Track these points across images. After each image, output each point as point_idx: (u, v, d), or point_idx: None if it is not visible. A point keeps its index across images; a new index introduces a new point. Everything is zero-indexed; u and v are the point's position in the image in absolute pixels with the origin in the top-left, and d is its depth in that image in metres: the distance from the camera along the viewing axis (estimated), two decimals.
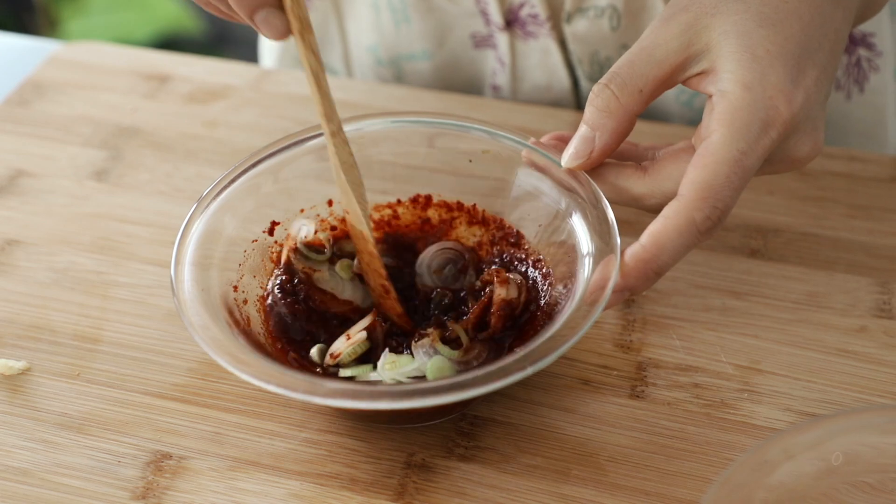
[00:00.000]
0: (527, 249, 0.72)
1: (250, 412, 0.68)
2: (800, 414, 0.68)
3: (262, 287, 0.70)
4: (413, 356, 0.67)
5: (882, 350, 0.72)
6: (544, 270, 0.70)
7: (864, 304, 0.75)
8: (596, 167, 0.67)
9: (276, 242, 0.72)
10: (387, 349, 0.67)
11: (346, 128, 0.74)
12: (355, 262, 0.72)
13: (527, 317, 0.69)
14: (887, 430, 0.57)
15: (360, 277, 0.72)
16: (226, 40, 2.29)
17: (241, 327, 0.66)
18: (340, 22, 1.00)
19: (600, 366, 0.71)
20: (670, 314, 0.74)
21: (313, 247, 0.71)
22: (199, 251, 0.67)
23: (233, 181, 0.71)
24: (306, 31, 0.63)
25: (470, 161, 0.74)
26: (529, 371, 0.59)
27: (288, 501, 0.63)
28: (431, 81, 0.99)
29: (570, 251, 0.68)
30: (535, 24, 0.92)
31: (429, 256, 0.73)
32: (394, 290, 0.69)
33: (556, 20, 0.92)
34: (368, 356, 0.68)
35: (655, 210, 0.64)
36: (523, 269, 0.72)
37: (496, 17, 0.92)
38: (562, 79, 0.95)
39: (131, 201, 0.83)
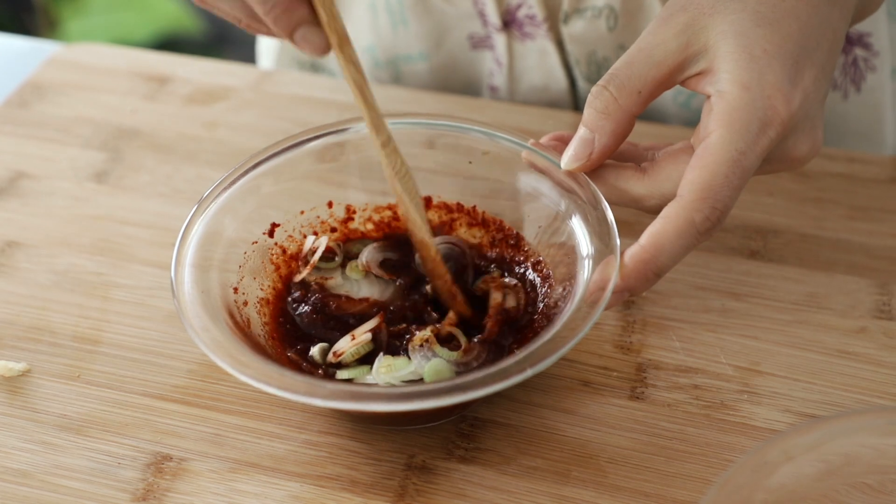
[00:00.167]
0: (526, 251, 0.72)
1: (250, 414, 0.68)
2: (799, 415, 0.68)
3: (261, 289, 0.70)
4: (409, 358, 0.67)
5: (882, 351, 0.72)
6: (544, 272, 0.70)
7: (863, 306, 0.75)
8: (595, 168, 0.67)
9: (276, 244, 0.72)
10: (381, 353, 0.67)
11: (347, 129, 0.74)
12: (361, 257, 0.72)
13: (526, 320, 0.69)
14: (887, 432, 0.57)
15: (371, 273, 0.72)
16: (226, 40, 2.29)
17: (242, 329, 0.66)
18: None
19: (600, 367, 0.71)
20: (670, 315, 0.74)
21: (323, 254, 0.72)
22: (200, 253, 0.67)
23: (233, 183, 0.71)
24: (345, 44, 0.63)
25: (470, 163, 0.74)
26: (529, 373, 0.59)
27: (288, 503, 0.63)
28: (429, 82, 0.99)
29: (569, 252, 0.68)
30: (533, 25, 0.92)
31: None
32: (461, 294, 0.69)
33: (554, 21, 0.92)
34: (371, 357, 0.68)
35: (655, 211, 0.64)
36: (522, 271, 0.72)
37: (493, 18, 0.92)
38: (559, 79, 0.95)
39: (131, 203, 0.83)
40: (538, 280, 0.71)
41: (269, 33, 0.65)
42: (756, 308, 0.75)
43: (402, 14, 0.95)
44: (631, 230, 0.71)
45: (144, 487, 0.64)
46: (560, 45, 0.93)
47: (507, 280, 0.71)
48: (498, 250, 0.73)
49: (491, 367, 0.59)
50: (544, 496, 0.63)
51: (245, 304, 0.69)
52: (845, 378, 0.70)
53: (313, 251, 0.72)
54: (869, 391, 0.69)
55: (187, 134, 0.90)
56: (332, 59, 1.02)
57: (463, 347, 0.67)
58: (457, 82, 0.99)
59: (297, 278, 0.71)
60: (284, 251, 0.73)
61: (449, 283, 0.69)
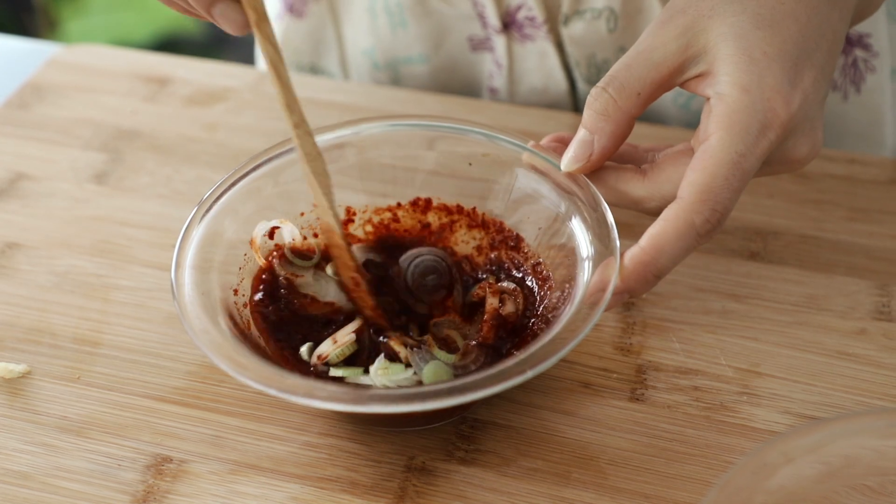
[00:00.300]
0: (526, 253, 0.72)
1: (250, 415, 0.68)
2: (799, 417, 0.68)
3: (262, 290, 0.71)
4: (409, 363, 0.67)
5: (882, 353, 0.72)
6: (544, 273, 0.70)
7: (863, 307, 0.75)
8: (595, 170, 0.67)
9: (276, 246, 0.72)
10: (382, 354, 0.67)
11: (346, 131, 0.74)
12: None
13: (525, 323, 0.69)
14: (887, 434, 0.57)
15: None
16: (225, 41, 2.29)
17: (242, 331, 0.66)
18: (337, 25, 1.00)
19: (600, 369, 0.71)
20: (670, 317, 0.74)
21: (301, 252, 0.71)
22: (200, 254, 0.67)
23: (233, 184, 0.71)
24: (263, 21, 0.62)
25: (470, 164, 0.74)
26: (529, 374, 0.59)
27: None
28: (428, 84, 0.99)
29: (569, 254, 0.68)
30: (532, 27, 0.92)
31: (413, 261, 0.72)
32: (364, 283, 0.68)
33: (553, 23, 0.92)
34: (354, 358, 0.68)
35: (655, 213, 0.64)
36: (520, 275, 0.72)
37: (493, 19, 0.92)
38: (559, 81, 0.95)
39: (131, 204, 0.83)
40: (537, 282, 0.71)
41: (188, 11, 0.65)
42: (756, 309, 0.75)
43: (401, 16, 0.95)
44: (631, 232, 0.71)
45: (144, 489, 0.64)
46: (560, 46, 0.93)
47: (504, 285, 0.71)
48: (497, 252, 0.73)
49: (491, 369, 0.60)
50: (544, 498, 0.63)
51: (245, 305, 0.69)
52: (845, 379, 0.70)
53: (293, 246, 0.71)
54: (869, 393, 0.69)
55: (187, 135, 0.90)
56: (330, 62, 1.02)
57: (461, 350, 0.67)
58: (456, 84, 0.99)
59: (261, 262, 0.71)
60: (273, 237, 0.72)
61: (353, 270, 0.68)
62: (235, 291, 0.68)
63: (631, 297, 0.64)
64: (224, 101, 0.94)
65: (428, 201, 0.75)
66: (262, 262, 0.71)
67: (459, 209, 0.75)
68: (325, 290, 0.71)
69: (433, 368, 0.66)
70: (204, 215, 0.69)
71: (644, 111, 0.66)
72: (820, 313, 0.74)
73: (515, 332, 0.69)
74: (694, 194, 0.61)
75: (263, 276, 0.70)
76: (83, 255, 0.79)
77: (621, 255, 0.63)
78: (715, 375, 0.70)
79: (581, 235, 0.67)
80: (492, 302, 0.69)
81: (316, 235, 0.73)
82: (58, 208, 0.83)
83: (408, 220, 0.75)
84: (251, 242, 0.71)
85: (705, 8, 0.64)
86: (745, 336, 0.73)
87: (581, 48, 0.92)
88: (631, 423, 0.67)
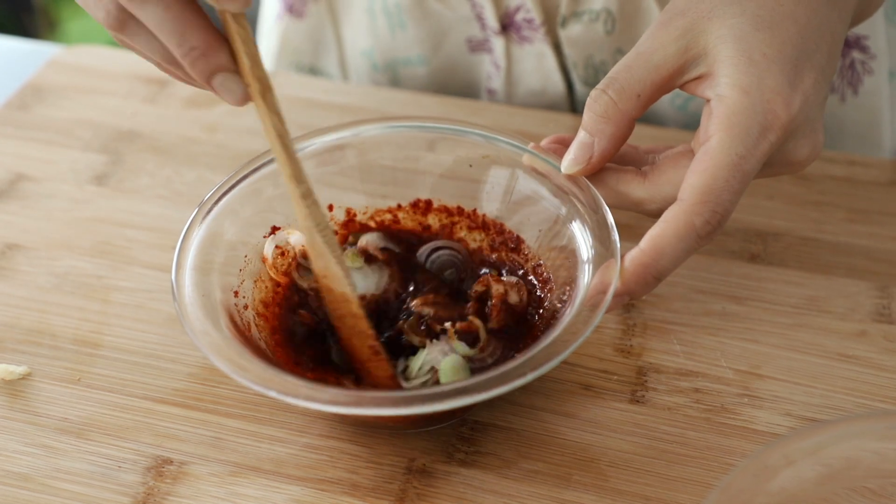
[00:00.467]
0: (527, 254, 0.72)
1: (251, 417, 0.68)
2: (800, 419, 0.68)
3: (262, 292, 0.70)
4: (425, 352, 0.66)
5: (882, 354, 0.72)
6: (544, 276, 0.70)
7: (863, 309, 0.75)
8: (596, 172, 0.67)
9: (277, 247, 0.72)
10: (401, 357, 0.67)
11: (346, 132, 0.74)
12: (361, 240, 0.72)
13: (528, 320, 0.69)
14: (888, 436, 0.57)
15: (366, 263, 0.71)
16: None
17: (242, 332, 0.66)
18: (336, 27, 1.00)
19: (601, 371, 0.71)
20: (670, 319, 0.74)
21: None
22: (200, 256, 0.67)
23: (234, 186, 0.71)
24: (267, 92, 0.61)
25: (470, 166, 0.74)
26: (530, 377, 0.59)
27: None
28: (427, 86, 0.99)
29: (570, 256, 0.68)
30: (531, 29, 0.92)
31: (430, 256, 0.73)
32: (384, 351, 0.65)
33: (551, 24, 0.92)
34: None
35: (655, 215, 0.64)
36: (521, 275, 0.72)
37: (492, 21, 0.92)
38: (556, 83, 0.95)
39: (132, 205, 0.83)
40: (538, 284, 0.71)
41: (186, 79, 0.63)
42: (756, 311, 0.75)
43: (399, 17, 0.95)
44: (631, 234, 0.71)
45: (145, 491, 0.64)
46: (558, 48, 0.93)
47: (505, 279, 0.71)
48: (498, 254, 0.73)
49: (492, 371, 0.60)
50: (545, 500, 0.63)
51: (245, 307, 0.69)
52: (846, 381, 0.70)
53: (303, 254, 0.71)
54: (870, 395, 0.69)
55: (187, 137, 0.90)
56: (329, 64, 1.02)
57: (480, 344, 0.66)
58: (455, 86, 0.99)
59: (279, 279, 0.71)
60: (284, 254, 0.73)
61: (371, 338, 0.65)
62: (236, 293, 0.68)
63: (631, 299, 0.64)
64: (224, 103, 0.93)
65: (428, 203, 0.75)
66: (280, 279, 0.71)
67: (460, 211, 0.75)
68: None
69: (451, 362, 0.65)
70: (204, 217, 0.69)
71: (644, 113, 0.66)
72: (820, 315, 0.74)
73: (521, 323, 0.68)
74: (694, 196, 0.61)
75: (285, 293, 0.70)
76: (83, 257, 0.79)
77: (622, 257, 0.63)
78: (715, 377, 0.70)
79: (581, 237, 0.67)
80: (498, 288, 0.69)
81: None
82: (58, 209, 0.83)
83: (408, 222, 0.75)
84: (263, 260, 0.71)
85: (705, 10, 0.64)
86: (746, 338, 0.73)
87: (579, 50, 0.92)
88: (631, 425, 0.67)
